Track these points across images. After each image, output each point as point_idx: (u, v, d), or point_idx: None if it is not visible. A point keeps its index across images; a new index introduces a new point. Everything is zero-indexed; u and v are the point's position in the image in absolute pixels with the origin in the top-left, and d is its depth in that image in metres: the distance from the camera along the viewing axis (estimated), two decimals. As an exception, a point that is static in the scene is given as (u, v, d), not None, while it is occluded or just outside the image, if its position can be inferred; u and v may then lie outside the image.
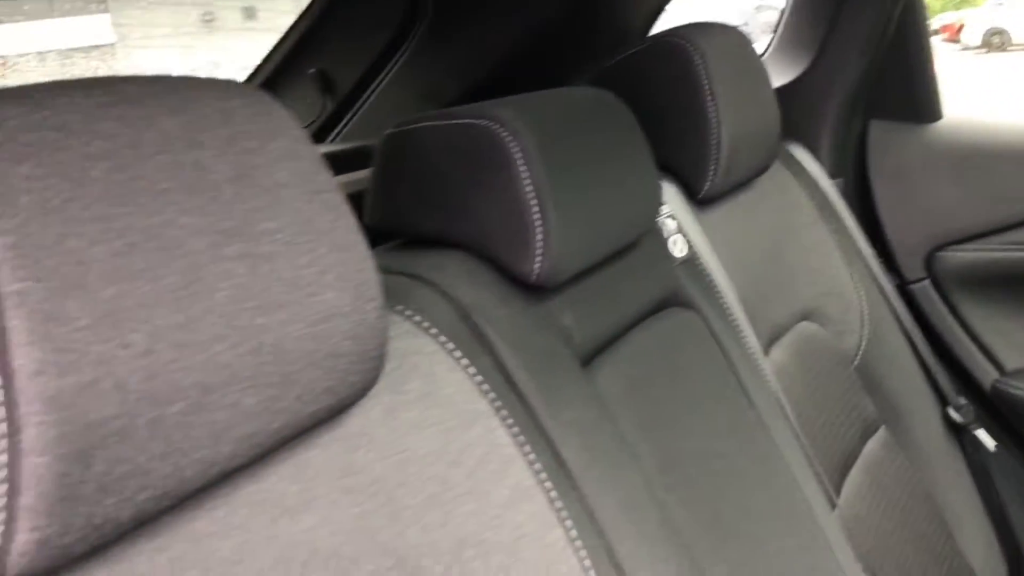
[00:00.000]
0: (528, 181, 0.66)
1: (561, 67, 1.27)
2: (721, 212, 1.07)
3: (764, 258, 1.12)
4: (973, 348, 1.42)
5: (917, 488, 1.20)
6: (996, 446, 1.34)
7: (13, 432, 0.34)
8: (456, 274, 0.66)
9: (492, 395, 0.59)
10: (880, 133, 1.44)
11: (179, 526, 0.43)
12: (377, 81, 1.29)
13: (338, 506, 0.49)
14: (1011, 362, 1.40)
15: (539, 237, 0.66)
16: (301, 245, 0.46)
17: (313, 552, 0.47)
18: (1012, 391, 1.39)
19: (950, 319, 1.42)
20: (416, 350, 0.58)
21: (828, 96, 1.38)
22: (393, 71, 1.28)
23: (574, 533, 0.59)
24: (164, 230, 0.40)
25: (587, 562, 0.58)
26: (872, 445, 1.17)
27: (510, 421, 0.59)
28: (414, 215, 0.71)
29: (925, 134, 1.43)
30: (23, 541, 0.34)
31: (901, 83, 1.42)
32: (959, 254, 1.41)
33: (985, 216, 1.39)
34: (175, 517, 0.43)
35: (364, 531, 0.50)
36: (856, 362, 1.23)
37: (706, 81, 0.97)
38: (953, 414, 1.32)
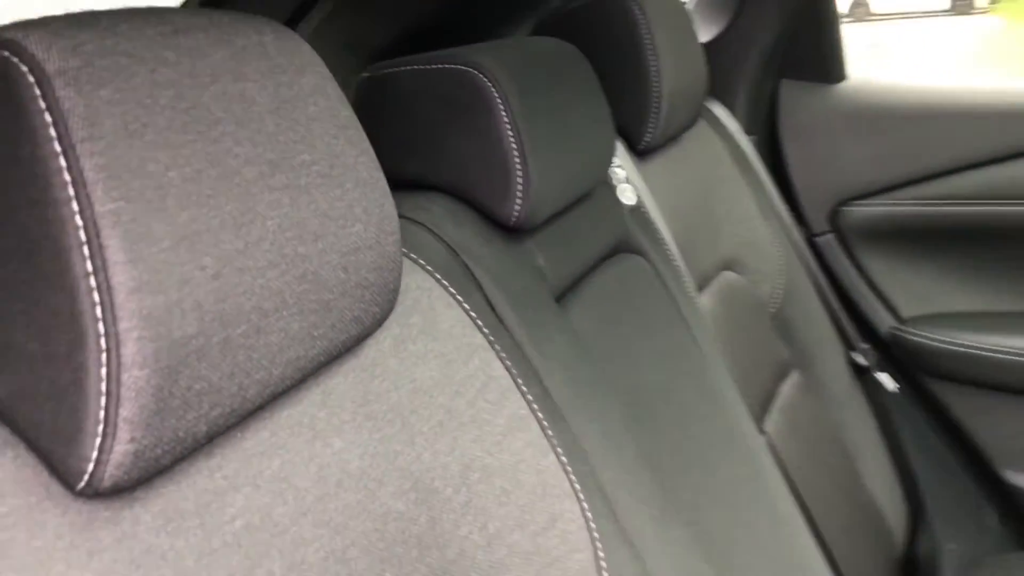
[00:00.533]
0: (509, 127, 0.68)
1: (492, 17, 1.28)
2: (656, 164, 1.11)
3: (692, 209, 1.17)
4: (872, 297, 1.51)
5: (827, 428, 1.28)
6: (895, 388, 1.44)
7: (114, 346, 0.34)
8: (441, 215, 0.68)
9: (486, 330, 0.62)
10: (790, 92, 1.51)
11: (230, 445, 0.44)
12: (298, 29, 1.28)
13: (362, 431, 0.51)
14: (907, 310, 1.50)
15: (519, 181, 0.68)
16: (333, 178, 0.47)
17: (345, 473, 0.49)
18: (908, 337, 1.49)
19: (852, 270, 1.51)
20: (416, 286, 0.60)
21: (744, 56, 1.44)
22: (316, 18, 1.27)
23: (564, 459, 0.62)
24: (222, 159, 0.40)
25: (577, 486, 0.62)
26: (787, 387, 1.24)
27: (503, 355, 0.62)
28: (393, 158, 0.72)
29: (831, 94, 1.51)
30: (121, 452, 0.35)
31: (810, 45, 1.49)
32: (861, 209, 1.50)
33: (885, 173, 1.48)
34: (226, 437, 0.44)
35: (385, 455, 0.52)
36: (772, 309, 1.30)
37: (648, 36, 1.00)
38: (857, 358, 1.41)
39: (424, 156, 0.71)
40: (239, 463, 0.44)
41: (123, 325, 0.34)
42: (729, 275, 1.22)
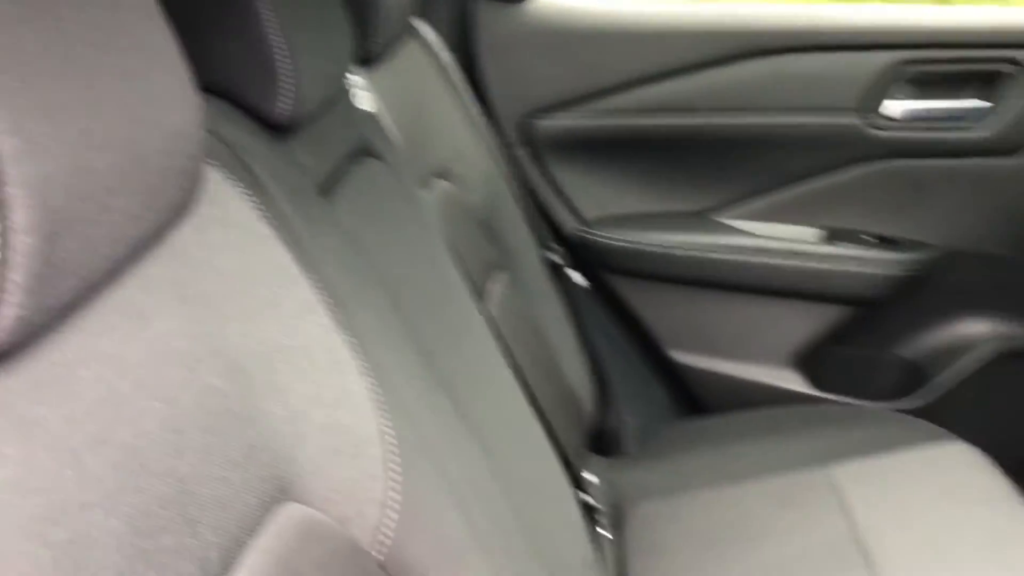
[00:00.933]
0: (273, 25, 0.70)
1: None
2: (376, 75, 1.16)
3: (409, 120, 1.24)
4: (560, 202, 1.68)
5: (529, 319, 1.42)
6: (583, 284, 1.62)
7: (3, 212, 0.35)
8: (212, 114, 0.69)
9: (273, 222, 0.65)
10: (483, 11, 1.61)
11: (68, 323, 0.45)
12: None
13: (179, 314, 0.54)
14: (590, 212, 1.68)
15: (286, 79, 0.71)
16: (151, 65, 0.49)
17: (171, 352, 0.52)
18: (590, 237, 1.67)
19: (543, 178, 1.66)
20: (206, 178, 0.62)
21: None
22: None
23: (350, 341, 0.67)
24: (62, 39, 0.41)
25: (363, 364, 0.68)
26: (496, 286, 1.35)
27: (287, 244, 0.66)
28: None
29: (519, 13, 1.62)
30: (12, 317, 0.36)
31: None
32: (549, 122, 1.65)
33: (569, 88, 1.63)
34: (65, 315, 0.45)
35: (201, 336, 0.55)
36: (480, 216, 1.40)
37: None
38: (551, 257, 1.56)
39: (187, 59, 0.71)
40: (79, 340, 0.46)
41: (10, 191, 0.36)
42: (443, 183, 1.30)
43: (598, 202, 1.68)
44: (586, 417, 1.50)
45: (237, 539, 0.52)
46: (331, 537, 0.61)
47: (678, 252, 1.66)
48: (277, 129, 0.74)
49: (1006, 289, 1.60)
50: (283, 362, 0.61)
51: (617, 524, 1.32)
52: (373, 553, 0.63)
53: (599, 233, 1.67)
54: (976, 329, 1.63)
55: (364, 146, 0.94)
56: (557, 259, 1.56)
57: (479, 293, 1.28)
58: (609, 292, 1.68)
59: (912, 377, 1.66)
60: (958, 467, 1.31)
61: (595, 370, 1.59)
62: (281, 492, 0.58)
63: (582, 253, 1.67)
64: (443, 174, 1.32)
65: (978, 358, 1.62)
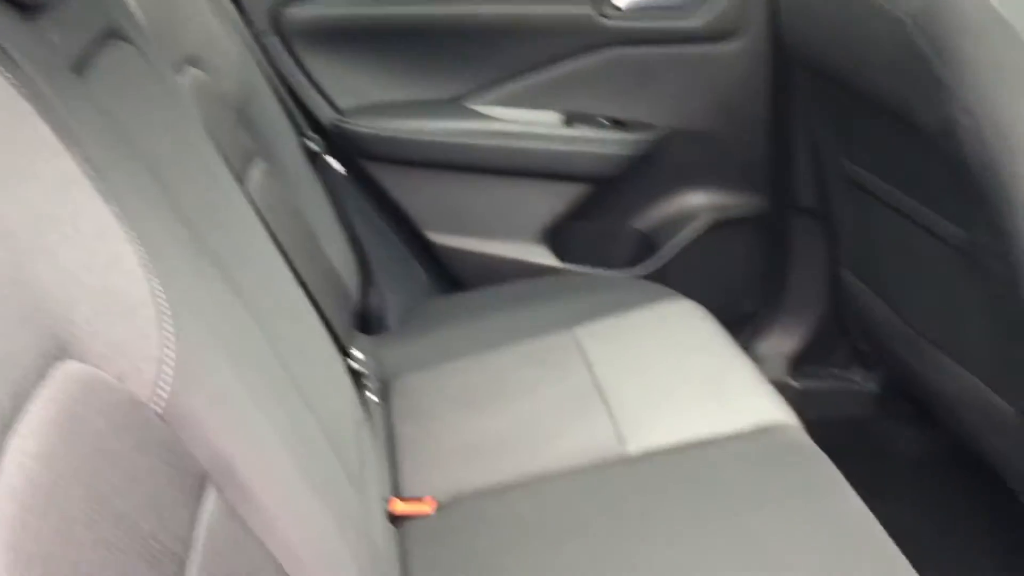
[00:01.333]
0: None
1: None
2: None
3: (154, 5, 1.22)
4: (315, 92, 1.71)
5: (290, 206, 1.46)
6: (342, 171, 1.67)
7: None
8: None
9: (30, 98, 0.67)
10: None
11: None
12: None
13: None
14: (345, 102, 1.73)
15: None
16: None
17: None
18: (346, 126, 1.72)
19: (296, 68, 1.68)
20: None
21: None
22: None
23: (116, 209, 0.71)
24: None
25: (131, 232, 0.71)
26: (255, 173, 1.38)
27: (47, 120, 0.68)
28: None
29: None
30: None
31: None
32: (299, 10, 1.66)
33: None
34: None
35: None
36: (235, 104, 1.42)
37: None
38: (309, 145, 1.60)
39: None
40: None
41: None
42: (195, 71, 1.31)
43: (353, 91, 1.73)
44: (350, 297, 1.57)
45: (24, 390, 0.56)
46: (110, 392, 0.65)
47: (430, 138, 1.74)
48: (24, 8, 0.75)
49: (719, 165, 1.80)
50: (50, 230, 0.64)
51: (384, 396, 1.42)
52: (152, 406, 0.68)
53: (355, 122, 1.72)
54: (696, 201, 1.83)
55: (113, 28, 0.95)
56: (315, 147, 1.61)
57: (239, 179, 1.31)
58: (367, 178, 1.75)
59: (645, 246, 1.85)
60: (684, 322, 1.50)
61: (357, 253, 1.66)
62: (60, 351, 0.62)
63: (339, 141, 1.72)
64: (194, 61, 1.32)
65: (698, 227, 1.82)
